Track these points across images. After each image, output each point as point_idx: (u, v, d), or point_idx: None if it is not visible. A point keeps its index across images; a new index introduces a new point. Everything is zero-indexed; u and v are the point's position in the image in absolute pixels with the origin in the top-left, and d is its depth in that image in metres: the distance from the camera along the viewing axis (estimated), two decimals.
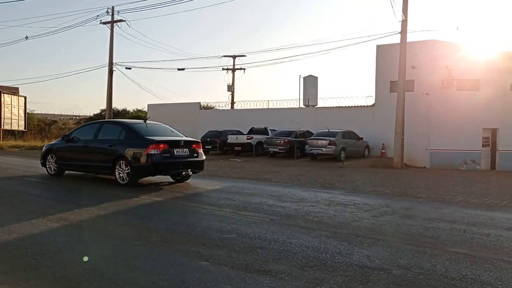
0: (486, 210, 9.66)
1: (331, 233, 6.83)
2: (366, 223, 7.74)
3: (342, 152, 22.27)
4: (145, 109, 43.65)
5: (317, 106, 30.36)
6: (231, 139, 26.16)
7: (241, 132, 27.34)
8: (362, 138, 23.89)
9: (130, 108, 53.80)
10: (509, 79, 22.18)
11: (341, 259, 5.47)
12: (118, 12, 33.50)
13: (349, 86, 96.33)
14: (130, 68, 34.84)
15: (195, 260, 5.34)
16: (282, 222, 7.64)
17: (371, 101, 25.53)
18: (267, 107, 31.09)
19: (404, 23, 20.39)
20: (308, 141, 23.14)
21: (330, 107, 27.90)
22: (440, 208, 9.73)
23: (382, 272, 5.00)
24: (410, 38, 20.88)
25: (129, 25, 35.06)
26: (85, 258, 5.25)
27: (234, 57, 38.89)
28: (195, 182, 13.05)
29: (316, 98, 31.45)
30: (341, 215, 8.36)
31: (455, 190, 13.16)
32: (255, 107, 31.58)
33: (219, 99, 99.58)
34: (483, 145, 22.57)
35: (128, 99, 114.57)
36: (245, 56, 38.63)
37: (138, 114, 49.88)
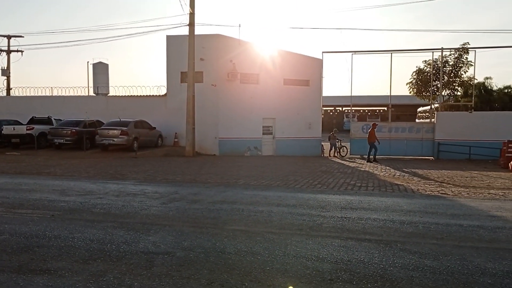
0: (263, 190, 10.88)
1: (118, 224, 6.74)
2: (154, 210, 7.88)
3: (135, 142, 21.93)
4: None
5: (109, 94, 29.14)
6: (6, 130, 23.07)
7: (20, 122, 24.35)
8: (155, 128, 23.94)
9: None
10: (282, 74, 25.21)
11: (127, 248, 5.47)
12: None
13: (142, 75, 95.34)
14: None
15: None
16: (64, 217, 7.18)
17: (163, 91, 25.78)
18: (51, 94, 28.40)
19: (191, 16, 21.14)
20: (99, 131, 22.05)
21: (122, 96, 27.07)
22: (224, 191, 10.54)
23: (167, 255, 5.19)
24: (198, 31, 21.86)
25: None
26: None
27: (8, 37, 34.20)
28: None
29: (107, 86, 30.13)
30: (130, 205, 8.31)
31: (238, 174, 14.41)
32: (37, 94, 28.50)
33: None
34: (263, 133, 25.19)
35: None
36: (23, 37, 34.35)
37: None
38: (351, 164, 19.24)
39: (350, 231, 6.53)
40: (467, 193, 10.79)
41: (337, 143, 24.78)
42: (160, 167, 16.17)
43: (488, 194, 10.76)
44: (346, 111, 58.48)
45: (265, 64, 24.44)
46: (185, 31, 21.62)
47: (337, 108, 61.76)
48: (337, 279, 4.51)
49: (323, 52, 25.62)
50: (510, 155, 17.32)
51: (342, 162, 20.57)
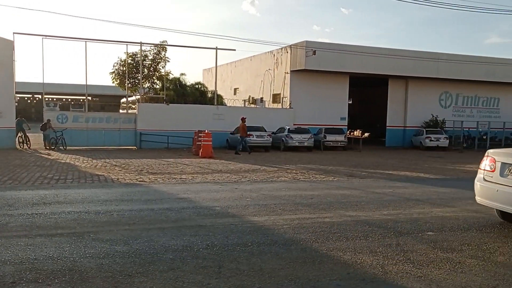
0: None
1: None
2: None
3: None
4: None
5: None
6: None
7: None
8: None
9: None
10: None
11: None
12: None
13: None
14: None
15: None
16: None
17: None
18: None
19: None
20: None
21: None
22: None
23: None
24: None
25: None
26: None
27: None
28: None
29: None
30: None
31: None
32: None
33: None
34: None
35: None
36: None
37: None
38: (51, 157, 18.08)
39: (40, 227, 6.17)
40: (162, 179, 11.75)
41: (50, 135, 22.48)
42: None
43: (180, 178, 11.99)
44: (47, 99, 54.29)
45: None
46: None
47: (36, 96, 56.69)
48: (20, 281, 4.21)
49: (14, 33, 22.96)
50: (200, 143, 19.66)
51: (42, 154, 19.10)
